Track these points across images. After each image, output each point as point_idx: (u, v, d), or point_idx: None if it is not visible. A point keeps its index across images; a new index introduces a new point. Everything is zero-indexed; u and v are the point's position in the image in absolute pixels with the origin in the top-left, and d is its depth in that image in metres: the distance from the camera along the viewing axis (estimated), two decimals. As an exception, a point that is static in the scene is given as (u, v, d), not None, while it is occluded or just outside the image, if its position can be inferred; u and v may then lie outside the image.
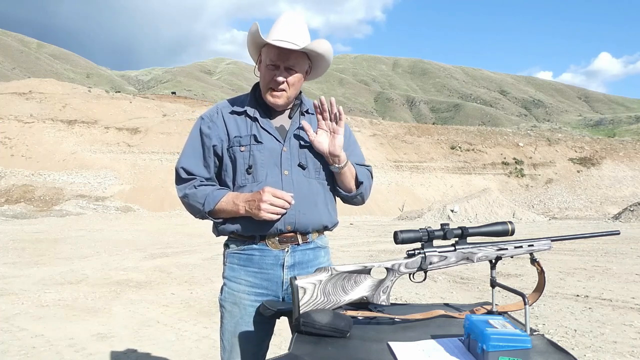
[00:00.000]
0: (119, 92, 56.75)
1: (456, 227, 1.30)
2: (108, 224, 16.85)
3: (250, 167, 1.53)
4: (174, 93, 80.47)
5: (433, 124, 56.24)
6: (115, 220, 18.83)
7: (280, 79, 1.52)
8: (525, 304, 1.16)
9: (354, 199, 1.65)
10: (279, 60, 1.51)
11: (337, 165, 1.56)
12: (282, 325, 1.61)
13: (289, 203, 1.47)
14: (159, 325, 4.27)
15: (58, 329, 4.13)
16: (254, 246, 1.55)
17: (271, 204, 1.44)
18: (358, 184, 1.64)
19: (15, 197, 23.77)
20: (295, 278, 1.20)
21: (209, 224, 1.61)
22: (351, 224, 17.37)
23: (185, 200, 1.57)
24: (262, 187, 1.48)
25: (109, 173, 27.65)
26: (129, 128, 32.06)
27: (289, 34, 1.50)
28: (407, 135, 39.29)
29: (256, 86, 1.65)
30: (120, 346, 3.68)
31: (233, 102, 1.64)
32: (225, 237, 1.64)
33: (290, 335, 1.20)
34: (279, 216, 1.48)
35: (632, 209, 17.74)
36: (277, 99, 1.55)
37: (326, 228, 1.64)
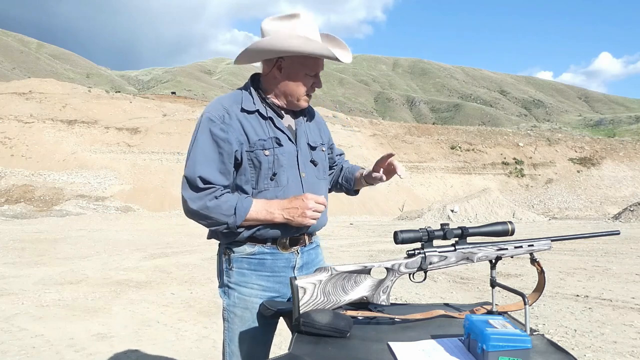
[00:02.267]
0: (119, 92, 56.68)
1: (456, 227, 1.30)
2: (108, 224, 16.85)
3: (275, 172, 1.48)
4: (174, 93, 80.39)
5: (433, 124, 56.27)
6: (115, 220, 18.83)
7: (320, 85, 1.55)
8: (525, 304, 1.16)
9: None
10: (320, 68, 1.52)
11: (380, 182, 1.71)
12: (282, 325, 1.61)
13: (325, 206, 1.51)
14: (159, 325, 4.27)
15: (58, 329, 4.13)
16: (265, 250, 1.52)
17: (315, 210, 1.46)
18: None
19: (15, 197, 23.76)
20: (295, 278, 1.20)
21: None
22: (351, 224, 17.37)
23: (205, 212, 1.41)
24: (285, 191, 1.48)
25: (109, 173, 27.64)
26: (129, 128, 32.04)
27: (332, 43, 1.53)
28: (407, 135, 39.30)
29: (255, 82, 1.55)
30: (120, 346, 3.68)
31: (237, 99, 1.50)
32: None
33: (290, 335, 1.20)
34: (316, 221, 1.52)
35: (632, 209, 17.74)
36: (307, 102, 1.57)
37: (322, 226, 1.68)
